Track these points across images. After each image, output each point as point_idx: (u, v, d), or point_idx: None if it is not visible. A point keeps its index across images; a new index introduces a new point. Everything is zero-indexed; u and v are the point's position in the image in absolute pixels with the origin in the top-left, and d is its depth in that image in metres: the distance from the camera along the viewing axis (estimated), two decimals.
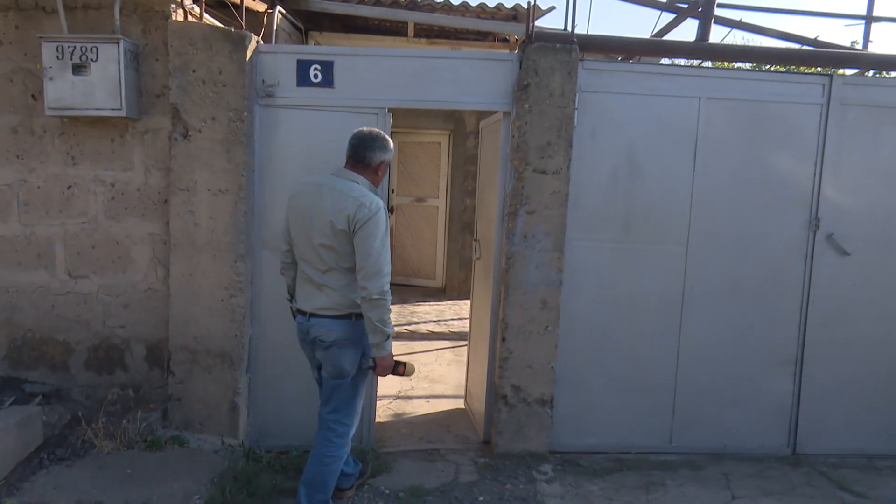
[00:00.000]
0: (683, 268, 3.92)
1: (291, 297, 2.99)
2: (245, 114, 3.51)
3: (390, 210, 8.11)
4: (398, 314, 7.03)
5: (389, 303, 2.66)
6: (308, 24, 6.30)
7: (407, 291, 8.16)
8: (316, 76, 3.64)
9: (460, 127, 7.88)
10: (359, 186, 2.76)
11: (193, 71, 3.48)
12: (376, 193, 2.83)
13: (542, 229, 3.71)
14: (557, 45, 3.64)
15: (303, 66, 3.62)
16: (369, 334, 2.71)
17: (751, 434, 4.05)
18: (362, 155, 2.83)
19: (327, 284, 2.74)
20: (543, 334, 3.77)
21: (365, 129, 2.90)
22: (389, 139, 2.96)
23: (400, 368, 2.84)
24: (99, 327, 3.63)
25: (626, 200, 3.85)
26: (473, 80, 3.72)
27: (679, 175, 3.86)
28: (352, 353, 2.79)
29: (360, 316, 2.76)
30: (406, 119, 7.53)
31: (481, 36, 6.97)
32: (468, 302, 8.19)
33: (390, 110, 3.73)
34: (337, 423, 2.88)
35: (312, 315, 2.79)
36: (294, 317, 2.94)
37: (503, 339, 3.77)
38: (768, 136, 3.87)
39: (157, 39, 3.52)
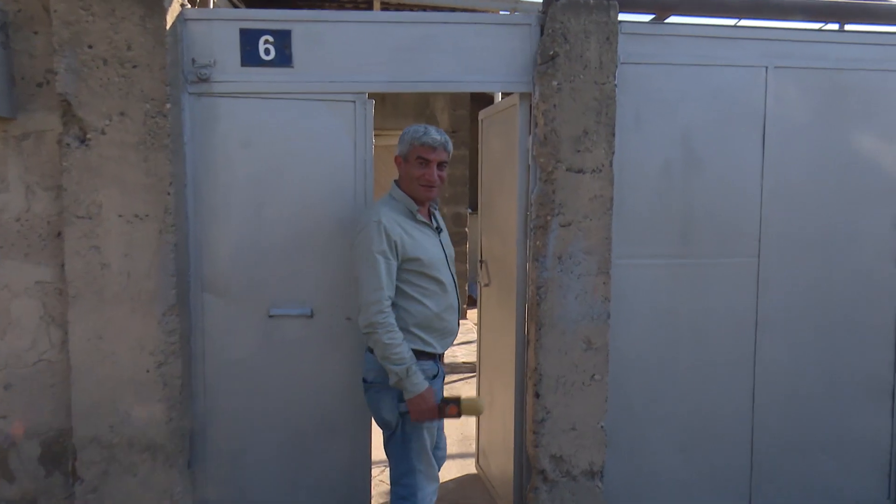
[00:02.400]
0: (755, 284, 3.06)
1: None
2: (168, 105, 2.48)
3: None
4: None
5: (386, 333, 2.19)
6: (253, 3, 5.27)
7: None
8: (268, 51, 2.64)
9: (432, 125, 6.93)
10: (384, 198, 2.42)
11: (90, 46, 2.44)
12: (407, 203, 2.39)
13: (582, 246, 2.80)
14: (591, 0, 2.74)
15: (249, 38, 2.62)
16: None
17: (844, 485, 3.21)
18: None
19: None
20: (590, 385, 2.85)
21: None
22: (410, 129, 2.42)
23: (450, 409, 2.27)
24: None
25: (684, 203, 2.97)
26: (480, 51, 2.78)
27: (746, 166, 3.01)
28: (389, 399, 2.31)
29: None
30: None
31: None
32: None
33: (372, 96, 2.76)
34: (395, 483, 2.37)
35: (368, 348, 2.38)
36: None
37: (537, 395, 2.83)
38: (851, 113, 3.05)
39: (33, 2, 2.46)
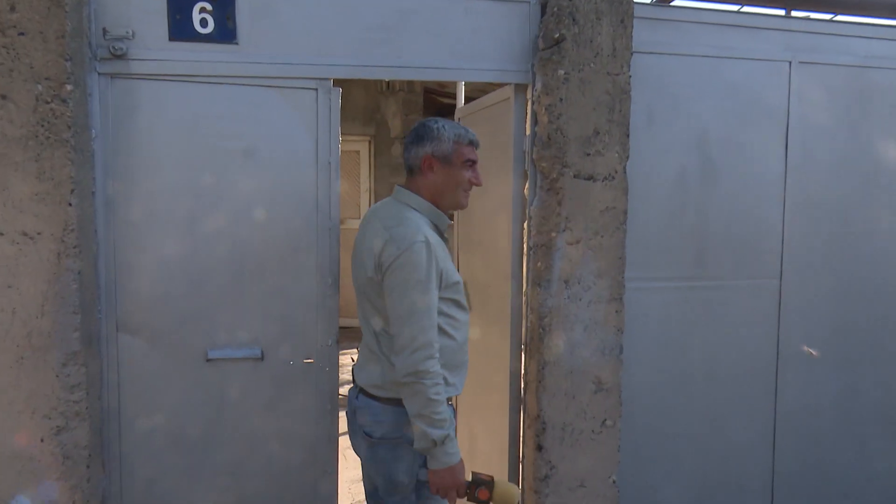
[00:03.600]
0: (777, 309, 2.69)
1: None
2: (69, 87, 1.87)
3: None
4: None
5: (434, 387, 1.75)
6: None
7: None
8: (204, 23, 2.07)
9: (383, 131, 6.41)
10: (404, 210, 1.91)
11: None
12: (436, 217, 1.95)
13: (592, 268, 2.34)
14: None
15: (180, 5, 2.04)
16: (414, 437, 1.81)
17: None
18: (407, 159, 1.99)
19: (377, 351, 1.92)
20: (600, 433, 2.39)
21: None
22: (445, 124, 1.94)
23: (480, 492, 1.83)
24: None
25: (699, 216, 2.57)
26: (470, 33, 2.30)
27: (767, 175, 2.64)
28: (409, 456, 1.89)
29: None
30: None
31: None
32: None
33: (338, 84, 2.23)
34: None
35: (361, 391, 1.95)
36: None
37: (539, 448, 2.35)
38: (877, 117, 2.73)
39: None
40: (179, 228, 2.12)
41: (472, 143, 1.95)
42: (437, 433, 1.74)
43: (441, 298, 1.85)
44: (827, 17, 2.78)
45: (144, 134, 2.08)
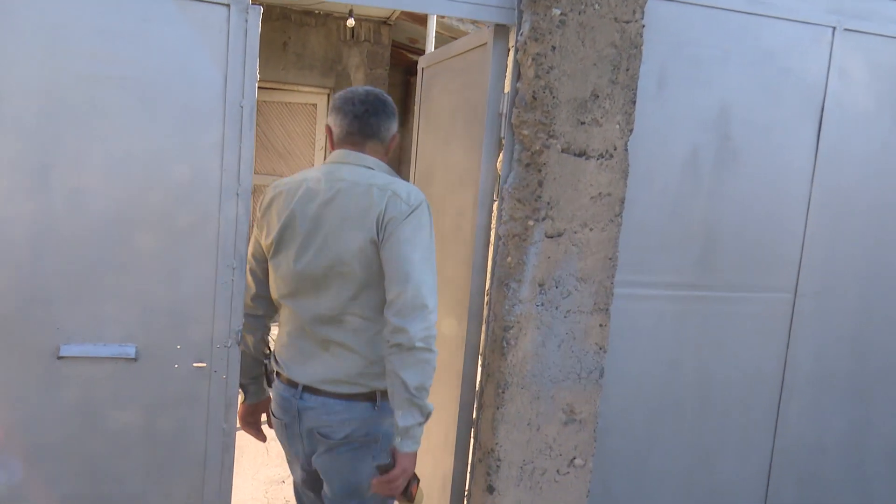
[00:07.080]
0: (787, 328, 2.24)
1: (268, 356, 1.82)
2: None
3: None
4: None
5: (435, 356, 1.52)
6: None
7: None
8: None
9: (344, 84, 5.79)
10: (378, 174, 1.62)
11: None
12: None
13: (575, 269, 1.85)
14: None
15: None
16: (397, 410, 1.53)
17: None
18: (375, 127, 1.66)
19: (339, 340, 1.61)
20: (567, 474, 1.93)
21: (364, 88, 1.71)
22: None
23: (412, 488, 1.60)
24: None
25: (709, 210, 2.09)
26: None
27: (794, 164, 2.17)
28: (371, 459, 1.62)
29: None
30: (268, 70, 5.29)
31: None
32: None
33: (259, 1, 1.66)
34: None
35: (308, 390, 1.63)
36: (268, 382, 1.80)
37: (491, 490, 1.88)
38: None
39: None
40: (25, 182, 1.55)
41: None
42: (430, 407, 1.54)
43: None
44: None
45: None
